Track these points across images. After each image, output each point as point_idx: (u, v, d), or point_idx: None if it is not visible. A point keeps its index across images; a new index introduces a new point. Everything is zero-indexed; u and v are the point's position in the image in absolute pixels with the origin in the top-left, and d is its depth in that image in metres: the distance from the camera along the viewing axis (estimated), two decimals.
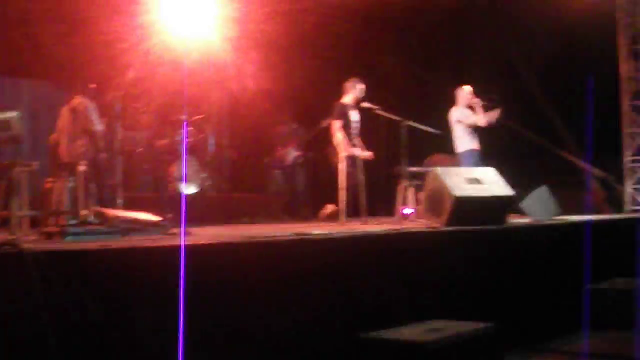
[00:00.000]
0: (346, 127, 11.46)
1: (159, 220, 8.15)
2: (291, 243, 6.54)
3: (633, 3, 14.81)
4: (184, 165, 13.70)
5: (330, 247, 6.78)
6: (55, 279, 4.83)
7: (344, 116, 11.48)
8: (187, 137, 14.11)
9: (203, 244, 5.83)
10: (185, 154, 13.97)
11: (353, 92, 11.64)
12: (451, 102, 12.53)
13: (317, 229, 8.42)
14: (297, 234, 7.17)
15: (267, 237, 6.74)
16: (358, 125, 11.66)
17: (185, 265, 5.29)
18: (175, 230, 8.06)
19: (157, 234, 7.88)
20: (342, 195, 10.91)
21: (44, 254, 4.88)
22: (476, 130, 12.39)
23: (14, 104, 13.67)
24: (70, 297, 4.87)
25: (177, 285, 5.23)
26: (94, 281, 5.04)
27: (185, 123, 14.17)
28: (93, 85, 11.18)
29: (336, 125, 11.45)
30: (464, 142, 12.39)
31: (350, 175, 11.20)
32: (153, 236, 7.67)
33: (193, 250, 5.41)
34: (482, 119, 12.26)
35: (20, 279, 4.73)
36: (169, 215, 8.25)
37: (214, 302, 5.50)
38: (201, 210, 12.49)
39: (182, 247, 5.36)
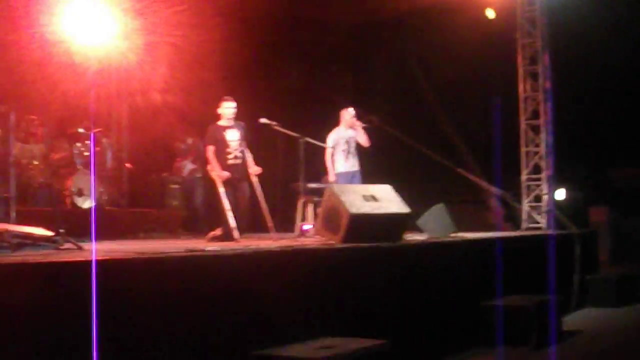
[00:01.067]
0: (222, 148, 11.44)
1: (52, 235, 7.98)
2: (183, 259, 6.44)
3: (531, 24, 15.02)
4: (84, 179, 13.50)
5: (223, 263, 6.70)
6: None
7: (216, 139, 11.42)
8: (84, 150, 13.91)
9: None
10: (83, 167, 13.76)
11: (222, 112, 11.59)
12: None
13: (210, 246, 8.35)
14: (189, 250, 7.09)
15: (155, 252, 6.64)
16: (238, 142, 11.54)
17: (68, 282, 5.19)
18: (67, 245, 7.91)
19: (49, 248, 7.72)
20: (227, 216, 10.92)
21: None
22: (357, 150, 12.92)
23: None
24: None
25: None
26: None
27: (84, 136, 13.98)
28: None
29: (209, 151, 11.45)
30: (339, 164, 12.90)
31: (230, 196, 11.17)
32: (45, 251, 7.51)
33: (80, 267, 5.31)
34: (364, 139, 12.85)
35: None
36: (62, 230, 8.06)
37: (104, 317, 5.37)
38: (98, 225, 12.29)
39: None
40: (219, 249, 7.63)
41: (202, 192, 15.43)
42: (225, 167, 11.30)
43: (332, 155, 12.84)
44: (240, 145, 11.48)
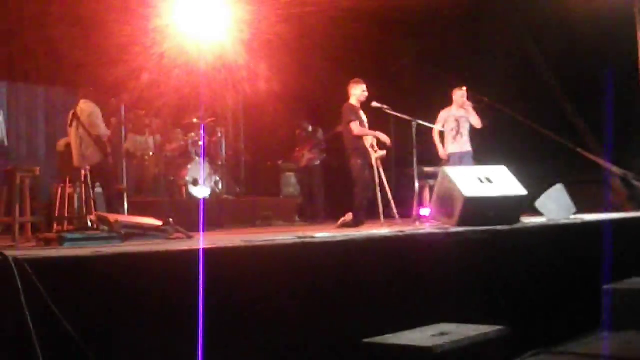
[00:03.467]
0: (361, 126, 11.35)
1: (161, 225, 7.99)
2: (293, 247, 6.35)
3: None
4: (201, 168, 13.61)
5: (334, 250, 6.58)
6: (46, 287, 4.66)
7: (356, 117, 11.31)
8: (198, 140, 14.00)
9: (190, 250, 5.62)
10: (199, 157, 13.85)
11: (354, 93, 11.45)
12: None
13: (323, 233, 8.26)
14: (300, 237, 6.98)
15: (266, 240, 6.56)
16: (366, 125, 11.47)
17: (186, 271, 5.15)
18: (177, 234, 7.91)
19: (159, 238, 7.74)
20: (360, 202, 10.97)
21: (31, 261, 4.71)
22: (469, 131, 12.75)
23: (29, 109, 13.69)
24: (62, 306, 4.69)
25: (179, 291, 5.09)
26: (90, 288, 4.86)
27: (200, 126, 14.08)
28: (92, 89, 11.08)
29: (354, 126, 11.31)
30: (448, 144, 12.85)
31: (362, 169, 11.14)
32: (154, 241, 7.52)
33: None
34: (476, 120, 12.64)
35: (4, 287, 4.56)
36: (171, 220, 8.06)
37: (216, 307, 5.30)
38: (214, 214, 12.36)
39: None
40: (329, 235, 7.51)
41: (320, 180, 15.38)
42: (361, 148, 11.28)
43: (442, 134, 12.73)
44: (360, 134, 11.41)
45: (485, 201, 8.90)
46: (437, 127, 12.61)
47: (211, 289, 5.17)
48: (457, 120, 12.75)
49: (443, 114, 12.84)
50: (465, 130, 12.72)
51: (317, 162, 15.37)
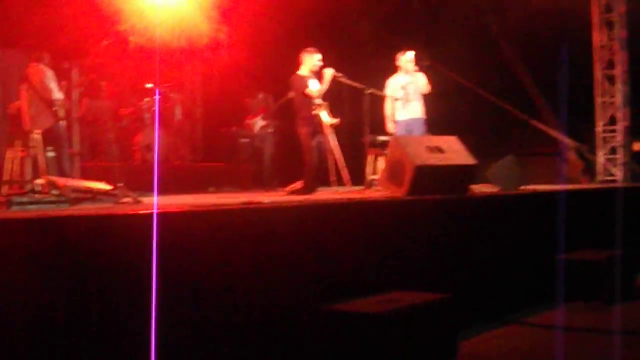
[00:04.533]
0: (306, 99, 11.26)
1: (111, 189, 7.97)
2: (240, 212, 6.35)
3: None
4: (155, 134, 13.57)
5: (282, 216, 6.59)
6: None
7: (303, 87, 11.26)
8: (152, 106, 13.95)
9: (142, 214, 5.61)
10: (153, 123, 13.81)
11: (309, 62, 11.41)
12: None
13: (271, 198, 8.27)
14: (245, 203, 7.00)
15: (216, 205, 6.56)
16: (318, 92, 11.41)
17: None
18: (126, 199, 7.90)
19: (108, 202, 7.71)
20: (311, 169, 10.92)
21: None
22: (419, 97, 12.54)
23: None
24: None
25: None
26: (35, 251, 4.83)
27: (153, 91, 14.02)
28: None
29: (310, 91, 11.23)
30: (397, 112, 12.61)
31: (309, 137, 11.14)
32: (103, 205, 7.50)
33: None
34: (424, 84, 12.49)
35: None
36: (120, 184, 8.04)
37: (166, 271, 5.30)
38: (166, 180, 12.32)
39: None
40: (277, 200, 7.52)
41: (272, 147, 15.38)
42: (309, 117, 11.19)
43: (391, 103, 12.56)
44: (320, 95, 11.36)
45: (435, 170, 8.92)
46: (387, 98, 12.45)
47: (161, 253, 5.17)
48: (404, 88, 12.49)
49: (390, 82, 12.58)
50: (414, 97, 12.45)
51: (270, 130, 15.36)
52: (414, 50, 12.60)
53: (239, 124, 15.76)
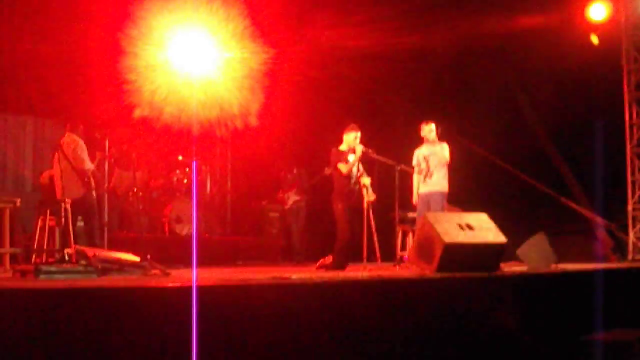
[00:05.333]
0: (344, 173, 11.22)
1: (139, 261, 7.98)
2: (266, 287, 6.33)
3: (637, 50, 14.68)
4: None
5: (307, 291, 6.56)
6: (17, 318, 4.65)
7: (340, 162, 11.24)
8: (183, 178, 14.00)
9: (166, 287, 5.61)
10: (182, 195, 13.86)
11: (346, 139, 11.39)
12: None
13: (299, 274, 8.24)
14: (274, 278, 6.98)
15: (243, 280, 6.55)
16: (356, 168, 11.38)
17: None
18: (155, 271, 7.90)
19: (135, 274, 7.71)
20: (342, 244, 10.88)
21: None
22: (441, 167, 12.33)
23: (17, 140, 13.70)
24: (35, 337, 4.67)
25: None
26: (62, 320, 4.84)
27: (183, 163, 14.08)
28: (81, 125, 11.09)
29: (342, 166, 11.22)
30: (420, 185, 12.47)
31: (344, 213, 11.08)
32: (131, 276, 7.51)
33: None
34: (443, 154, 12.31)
35: None
36: (149, 256, 8.05)
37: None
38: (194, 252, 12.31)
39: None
40: (306, 277, 7.49)
41: (303, 222, 15.37)
42: (346, 192, 11.16)
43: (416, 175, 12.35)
44: (358, 171, 11.35)
45: (465, 248, 8.88)
46: (416, 169, 12.33)
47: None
48: (425, 158, 12.30)
49: (415, 153, 12.44)
50: (436, 169, 12.22)
51: (302, 204, 15.36)
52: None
53: (269, 198, 15.77)
